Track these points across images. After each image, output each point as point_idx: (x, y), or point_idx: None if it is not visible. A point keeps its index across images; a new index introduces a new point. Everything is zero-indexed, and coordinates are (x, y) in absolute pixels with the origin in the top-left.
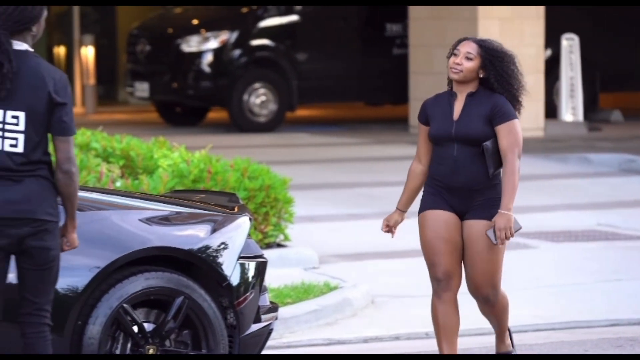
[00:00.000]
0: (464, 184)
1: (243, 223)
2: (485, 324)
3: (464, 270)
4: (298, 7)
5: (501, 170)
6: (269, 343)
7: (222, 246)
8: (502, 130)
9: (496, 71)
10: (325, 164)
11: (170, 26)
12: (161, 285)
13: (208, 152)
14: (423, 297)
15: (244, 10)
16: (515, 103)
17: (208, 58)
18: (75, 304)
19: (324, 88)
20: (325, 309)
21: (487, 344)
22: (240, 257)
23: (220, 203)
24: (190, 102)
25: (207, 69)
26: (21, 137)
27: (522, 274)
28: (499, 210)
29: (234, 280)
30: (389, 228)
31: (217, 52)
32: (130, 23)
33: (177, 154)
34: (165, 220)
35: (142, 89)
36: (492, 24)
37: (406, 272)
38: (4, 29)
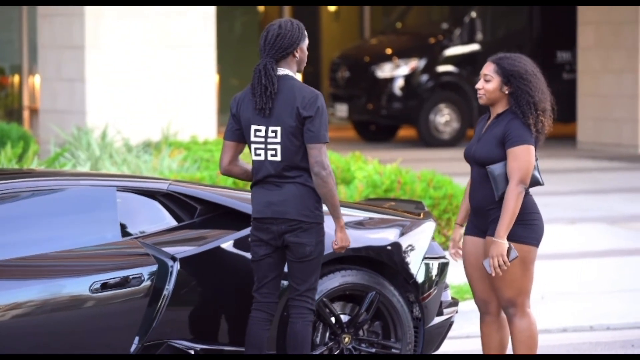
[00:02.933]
0: (478, 205)
1: (428, 227)
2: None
3: None
4: (479, 37)
5: None
6: (450, 334)
7: (409, 247)
8: (509, 155)
9: (514, 88)
10: None
11: (367, 55)
12: (355, 282)
13: (398, 165)
14: (588, 294)
15: (431, 40)
16: (533, 123)
17: (399, 83)
18: (281, 298)
19: None
20: None
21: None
22: (425, 258)
23: (408, 210)
24: (383, 121)
25: (398, 92)
26: (278, 148)
27: None
28: (492, 239)
29: (420, 277)
30: (456, 249)
31: (407, 77)
32: (332, 52)
33: (371, 167)
34: (359, 224)
35: (342, 109)
36: None
37: (572, 271)
38: (270, 57)
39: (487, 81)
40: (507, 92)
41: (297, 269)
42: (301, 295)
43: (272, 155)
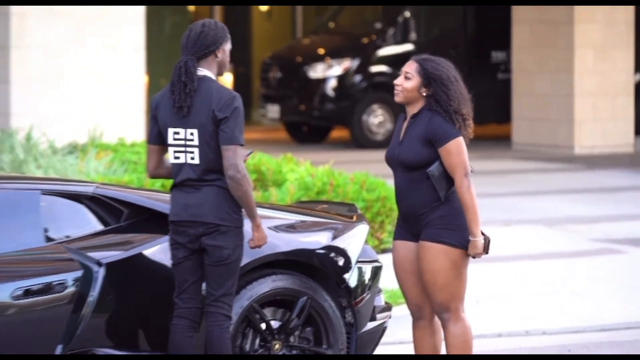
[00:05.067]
0: (407, 212)
1: (361, 230)
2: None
3: None
4: (413, 37)
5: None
6: (383, 339)
7: (342, 251)
8: (442, 153)
9: (434, 90)
10: None
11: (299, 55)
12: (287, 287)
13: (331, 167)
14: (524, 297)
15: (365, 40)
16: (456, 121)
17: (332, 83)
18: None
19: None
20: None
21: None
22: (358, 262)
23: (340, 212)
24: (315, 122)
25: (331, 92)
26: (197, 151)
27: (614, 277)
28: (470, 238)
29: (352, 282)
30: None
31: (340, 77)
32: (263, 53)
33: (303, 169)
34: (291, 227)
35: (274, 110)
36: (587, 52)
37: (508, 275)
38: (191, 55)
39: (407, 79)
40: (424, 93)
41: (214, 272)
42: (217, 300)
43: (191, 158)
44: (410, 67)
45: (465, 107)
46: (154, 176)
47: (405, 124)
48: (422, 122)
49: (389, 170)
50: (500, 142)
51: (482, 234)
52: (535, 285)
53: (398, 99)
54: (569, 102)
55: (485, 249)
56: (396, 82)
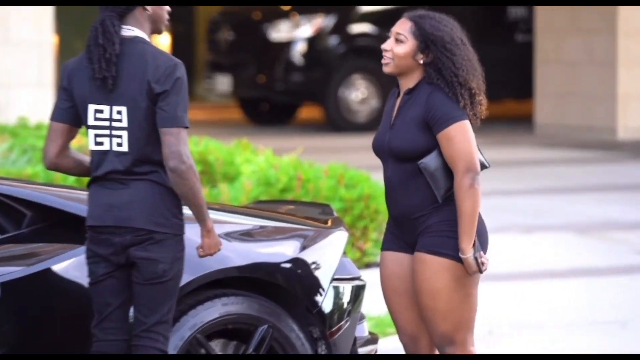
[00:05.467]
0: (400, 214)
1: (338, 239)
2: None
3: None
4: None
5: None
6: None
7: (313, 266)
8: (441, 139)
9: (435, 56)
10: None
11: (257, 10)
12: (241, 312)
13: (298, 156)
14: (550, 327)
15: None
16: (461, 98)
17: (300, 47)
18: None
19: None
20: None
21: None
22: (334, 279)
23: (311, 215)
24: (278, 97)
25: (298, 59)
26: (125, 135)
27: None
28: (461, 255)
29: (326, 306)
30: None
31: (311, 40)
32: (211, 8)
33: (262, 159)
34: (247, 235)
35: (224, 82)
36: (634, 7)
37: (530, 297)
38: (110, 11)
39: (398, 42)
40: (421, 61)
41: (145, 294)
42: (149, 330)
43: (118, 144)
44: (403, 26)
45: (475, 79)
46: (53, 166)
47: (398, 102)
48: (420, 100)
49: (374, 161)
50: (520, 124)
51: (474, 245)
52: (565, 311)
53: (387, 68)
54: (609, 72)
55: (479, 268)
56: (384, 46)
